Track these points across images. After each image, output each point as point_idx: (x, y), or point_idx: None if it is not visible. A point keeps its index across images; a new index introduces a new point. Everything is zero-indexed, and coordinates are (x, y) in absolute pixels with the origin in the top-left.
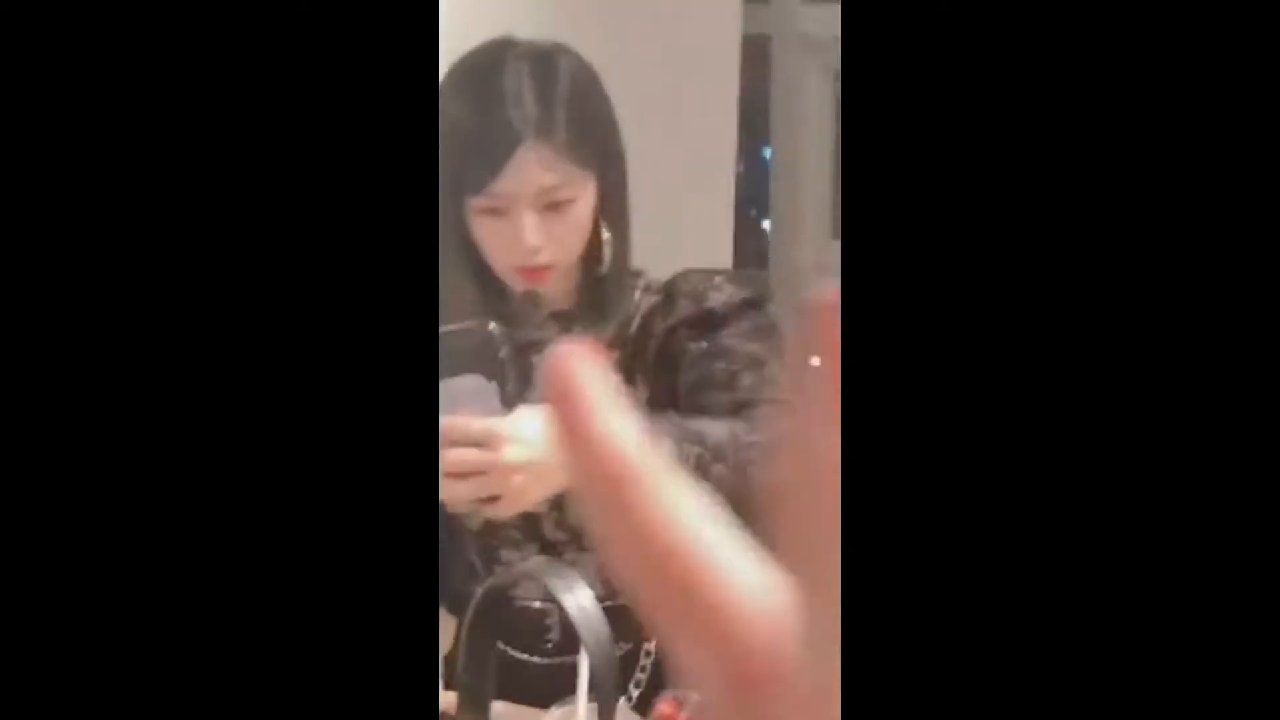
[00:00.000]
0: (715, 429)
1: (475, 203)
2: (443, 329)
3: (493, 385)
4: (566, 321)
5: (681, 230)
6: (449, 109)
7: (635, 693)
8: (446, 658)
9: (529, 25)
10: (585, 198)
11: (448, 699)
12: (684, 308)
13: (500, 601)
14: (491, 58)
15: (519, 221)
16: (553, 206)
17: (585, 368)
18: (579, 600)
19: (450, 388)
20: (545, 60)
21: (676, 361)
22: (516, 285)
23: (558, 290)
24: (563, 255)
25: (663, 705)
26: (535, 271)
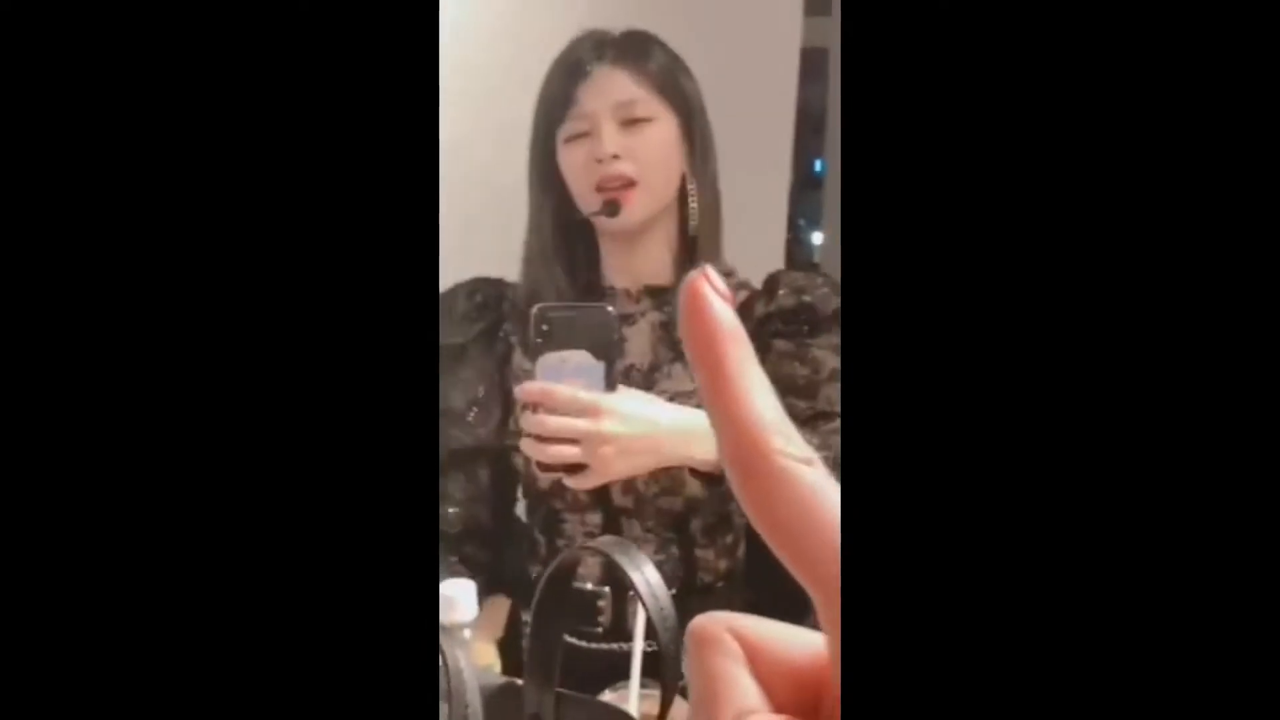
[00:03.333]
0: None
1: (562, 132)
2: (569, 304)
3: (600, 365)
4: (661, 299)
5: (736, 238)
6: (544, 89)
7: None
8: (499, 643)
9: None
10: (664, 122)
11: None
12: (783, 298)
13: (566, 581)
14: (578, 44)
15: (599, 132)
16: (631, 123)
17: (724, 319)
18: (648, 579)
19: (557, 360)
20: (626, 35)
21: (762, 354)
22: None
23: (649, 255)
24: (643, 171)
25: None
26: (616, 184)
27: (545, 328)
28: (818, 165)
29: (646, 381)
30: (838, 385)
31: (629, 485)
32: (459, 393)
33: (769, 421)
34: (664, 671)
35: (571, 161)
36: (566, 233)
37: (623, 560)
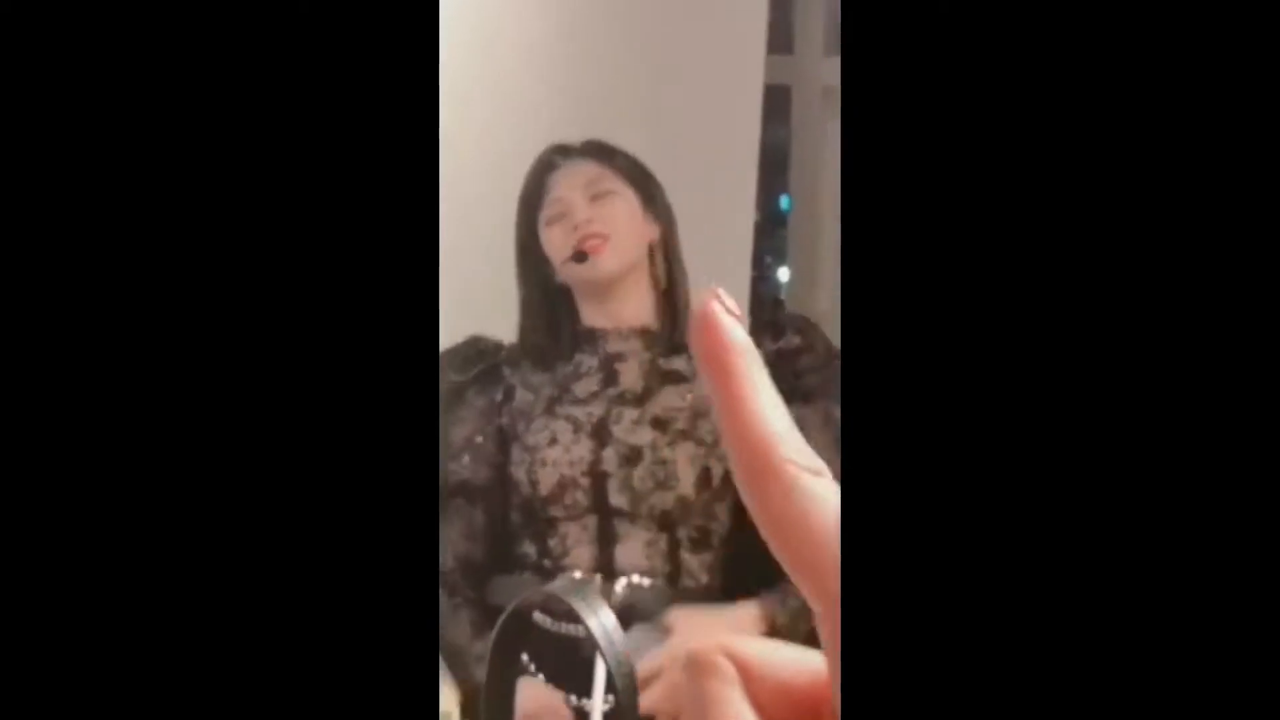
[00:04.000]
0: None
1: (541, 218)
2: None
3: None
4: (648, 338)
5: (700, 277)
6: (523, 186)
7: None
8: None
9: (545, 60)
10: (627, 197)
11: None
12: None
13: (525, 624)
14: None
15: (572, 208)
16: (598, 197)
17: (734, 335)
18: (605, 626)
19: None
20: (587, 142)
21: None
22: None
23: (627, 305)
24: (613, 231)
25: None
26: (589, 241)
27: None
28: (784, 202)
29: (639, 403)
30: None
31: (626, 481)
32: (457, 431)
33: (778, 432)
34: (620, 706)
35: (551, 238)
36: (551, 295)
37: (580, 607)
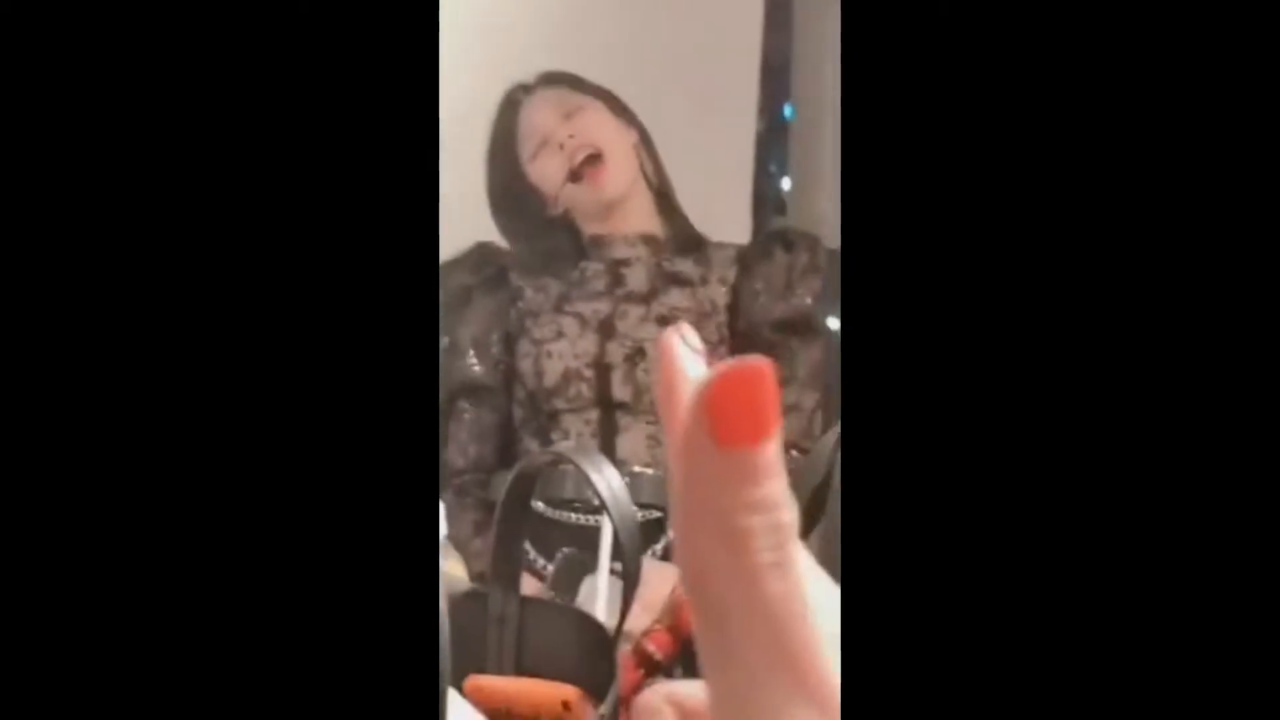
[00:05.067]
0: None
1: (522, 154)
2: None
3: None
4: (654, 245)
5: (701, 183)
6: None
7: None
8: None
9: None
10: (595, 106)
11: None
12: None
13: (529, 487)
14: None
15: (552, 131)
16: (571, 114)
17: (688, 371)
18: (611, 485)
19: None
20: (540, 75)
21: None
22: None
23: (630, 217)
24: (604, 143)
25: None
26: (586, 166)
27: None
28: (786, 111)
29: (644, 301)
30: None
31: (629, 376)
32: (464, 331)
33: None
34: (626, 576)
35: (541, 168)
36: (550, 227)
37: (586, 466)
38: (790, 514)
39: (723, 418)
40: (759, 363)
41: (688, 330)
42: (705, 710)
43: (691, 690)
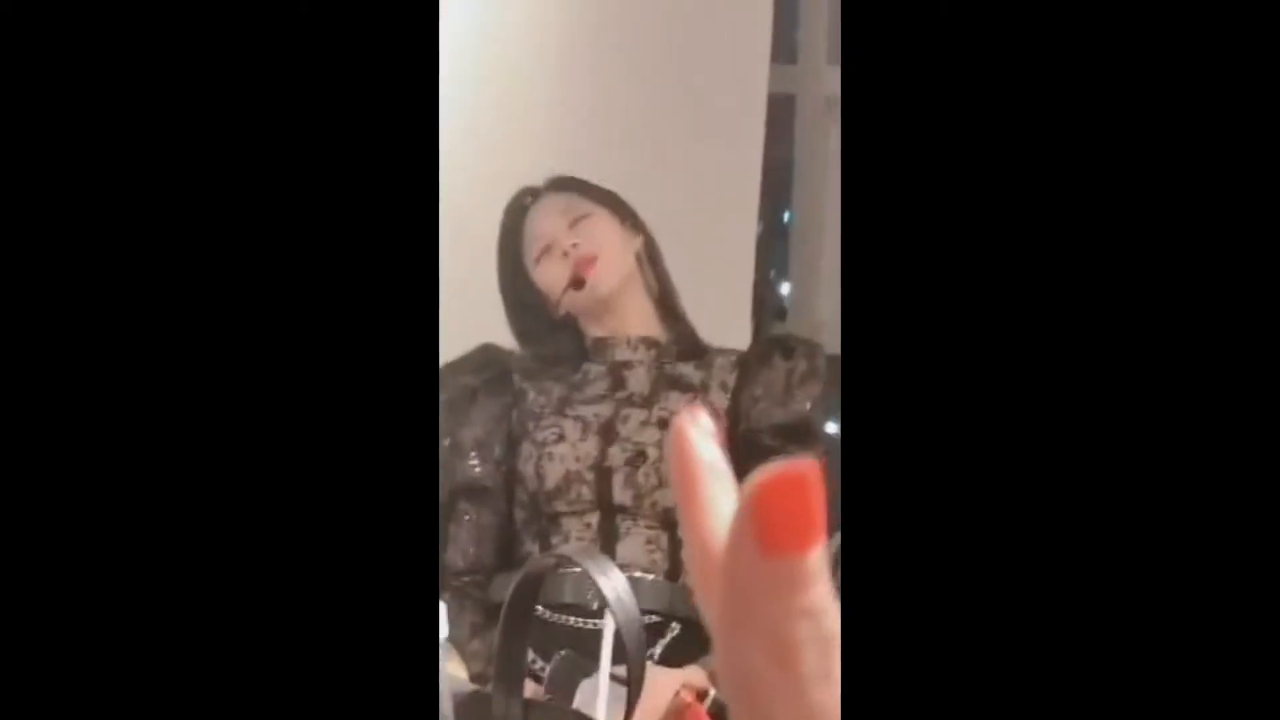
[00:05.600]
0: None
1: (527, 258)
2: None
3: None
4: (655, 348)
5: (702, 288)
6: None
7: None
8: None
9: (548, 71)
10: (602, 214)
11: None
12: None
13: (534, 590)
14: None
15: (555, 237)
16: (577, 221)
17: (703, 453)
18: (617, 589)
19: None
20: (550, 180)
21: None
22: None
23: (629, 318)
24: (601, 247)
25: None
26: (581, 265)
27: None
28: (786, 216)
29: (645, 405)
30: None
31: (630, 479)
32: (467, 432)
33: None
34: (631, 681)
35: (544, 274)
36: (554, 329)
37: (592, 569)
38: (835, 620)
39: (769, 526)
40: (806, 466)
41: (701, 413)
42: None
43: None
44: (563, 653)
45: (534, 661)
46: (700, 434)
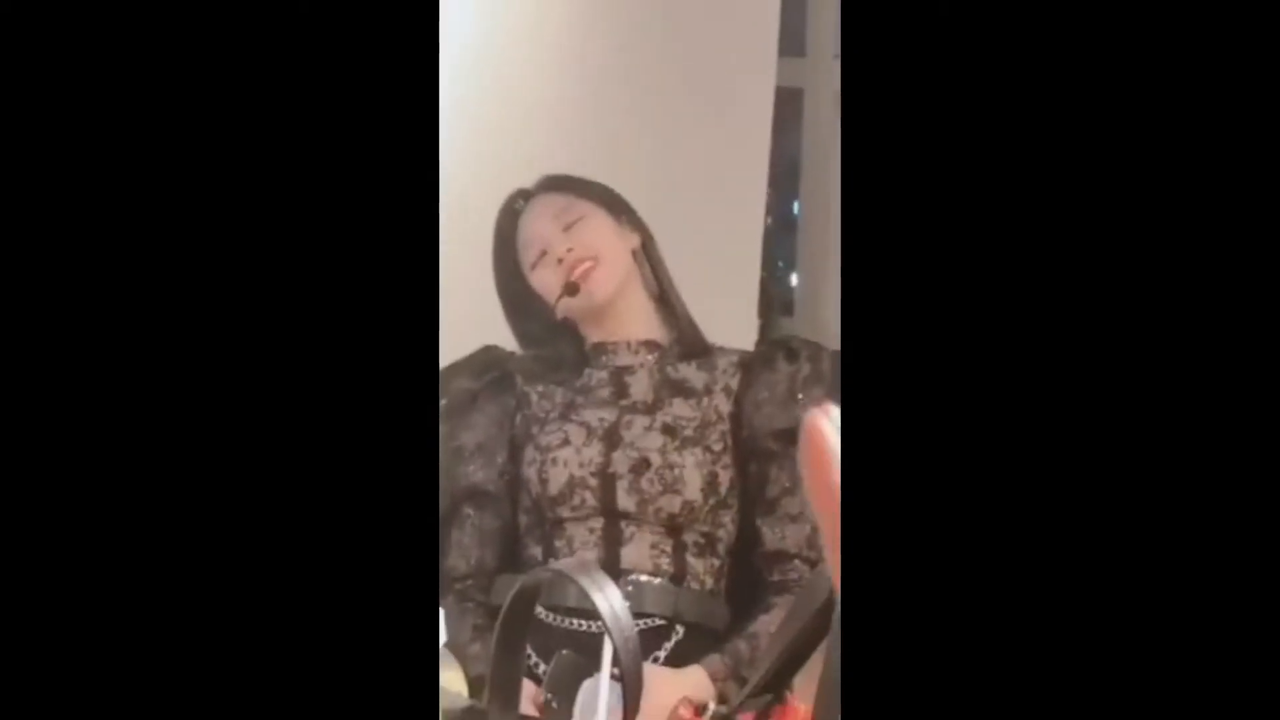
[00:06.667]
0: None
1: (524, 263)
2: None
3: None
4: (657, 352)
5: (710, 283)
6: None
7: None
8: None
9: (552, 67)
10: (596, 214)
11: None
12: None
13: (530, 605)
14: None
15: (550, 242)
16: (570, 225)
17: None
18: (612, 605)
19: None
20: (541, 180)
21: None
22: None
23: (629, 319)
24: (599, 252)
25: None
26: (578, 269)
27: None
28: (795, 207)
29: (649, 411)
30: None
31: (634, 485)
32: (469, 436)
33: None
34: (627, 698)
35: (541, 280)
36: (553, 331)
37: (587, 585)
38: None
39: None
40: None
41: (833, 409)
42: None
43: None
44: (563, 652)
45: (536, 665)
46: (833, 428)
